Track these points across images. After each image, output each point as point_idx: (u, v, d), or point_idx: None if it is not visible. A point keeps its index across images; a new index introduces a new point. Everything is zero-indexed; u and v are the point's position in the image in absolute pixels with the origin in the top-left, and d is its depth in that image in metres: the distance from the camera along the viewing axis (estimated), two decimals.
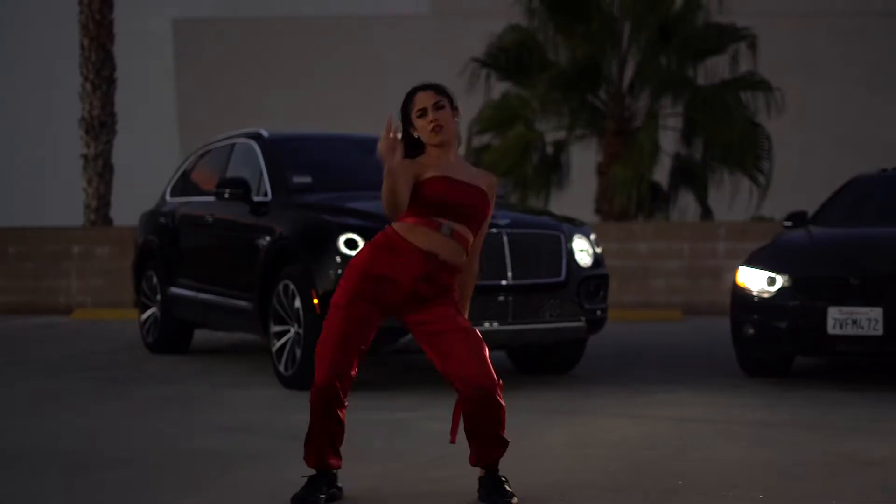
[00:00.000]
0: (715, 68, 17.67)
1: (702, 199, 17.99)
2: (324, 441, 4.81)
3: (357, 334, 4.75)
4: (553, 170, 18.00)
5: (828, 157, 25.63)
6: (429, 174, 4.71)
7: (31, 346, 11.62)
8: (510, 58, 17.61)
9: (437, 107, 4.75)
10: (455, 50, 19.11)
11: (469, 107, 18.23)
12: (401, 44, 27.49)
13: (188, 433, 6.61)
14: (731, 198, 17.53)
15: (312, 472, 4.88)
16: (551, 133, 18.02)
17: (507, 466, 5.05)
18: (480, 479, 4.88)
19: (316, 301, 7.99)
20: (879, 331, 7.92)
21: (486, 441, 4.81)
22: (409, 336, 7.77)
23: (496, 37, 18.06)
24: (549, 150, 18.07)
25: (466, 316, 4.94)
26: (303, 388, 8.11)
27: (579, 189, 18.63)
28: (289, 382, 8.29)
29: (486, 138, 18.27)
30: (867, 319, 7.94)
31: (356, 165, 9.78)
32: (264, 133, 9.73)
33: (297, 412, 7.21)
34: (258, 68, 28.33)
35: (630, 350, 10.95)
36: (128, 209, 20.81)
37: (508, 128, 17.77)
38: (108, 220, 17.68)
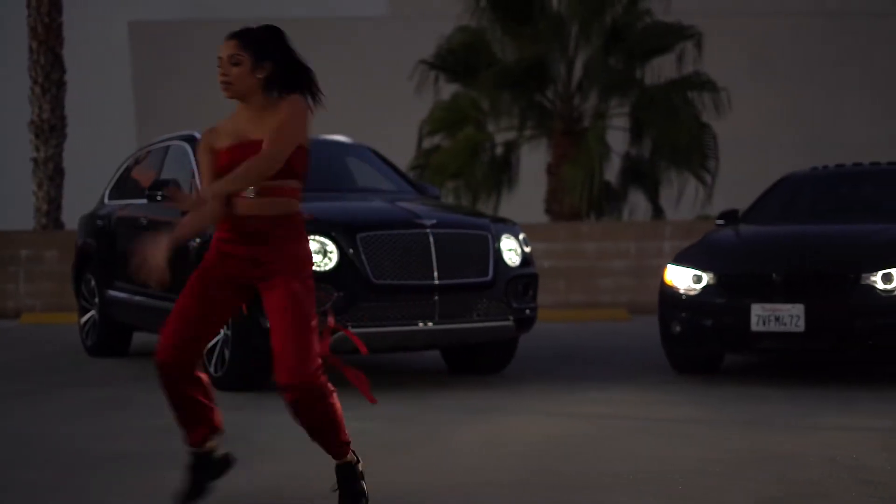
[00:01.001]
0: (662, 67, 17.77)
1: (653, 199, 18.10)
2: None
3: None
4: (503, 171, 18.07)
5: (783, 157, 25.78)
6: (220, 143, 4.61)
7: None
8: (458, 59, 17.67)
9: (233, 62, 4.55)
10: (413, 51, 19.14)
11: (419, 108, 18.34)
12: (358, 46, 27.51)
13: (115, 435, 6.62)
14: (679, 197, 17.66)
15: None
16: (501, 134, 18.09)
17: (415, 466, 5.09)
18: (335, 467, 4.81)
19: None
20: (801, 327, 8.01)
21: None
22: (340, 335, 7.87)
23: (445, 38, 18.10)
24: (499, 150, 18.14)
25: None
26: (231, 390, 8.16)
27: (529, 190, 18.71)
28: (218, 383, 8.27)
29: (436, 139, 18.32)
30: (790, 316, 8.04)
31: None
32: (197, 135, 9.73)
33: (225, 413, 7.23)
34: (215, 71, 28.26)
35: (570, 350, 11.01)
36: (82, 212, 20.78)
37: (458, 129, 17.82)
38: (59, 224, 17.61)
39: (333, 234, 8.07)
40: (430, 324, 8.09)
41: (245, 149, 4.55)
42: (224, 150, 4.58)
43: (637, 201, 18.36)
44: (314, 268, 7.76)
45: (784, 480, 5.23)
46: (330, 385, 4.60)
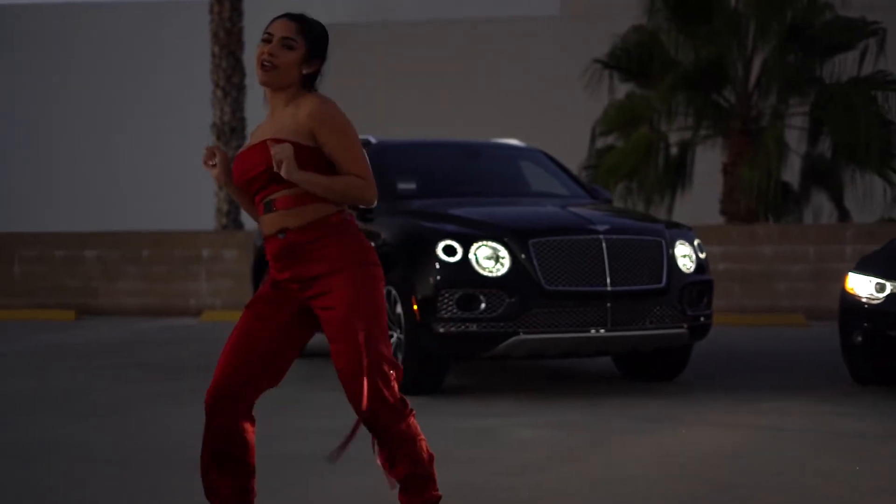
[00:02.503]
0: (843, 65, 17.23)
1: (837, 200, 17.56)
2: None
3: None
4: (677, 171, 17.80)
5: None
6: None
7: (157, 349, 11.97)
8: (633, 58, 17.47)
9: (287, 45, 4.04)
10: (585, 51, 19.03)
11: (592, 109, 18.22)
12: (530, 46, 27.47)
13: (278, 437, 6.75)
14: (864, 198, 17.09)
15: None
16: (675, 134, 17.82)
17: (584, 474, 5.03)
18: None
19: (416, 307, 8.08)
20: None
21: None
22: (512, 340, 7.89)
23: (619, 38, 17.94)
24: (674, 150, 17.87)
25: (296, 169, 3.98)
26: (404, 393, 8.21)
27: (704, 190, 18.40)
28: None
29: (609, 139, 18.17)
30: None
31: (462, 172, 9.88)
32: (372, 139, 9.86)
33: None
34: (388, 70, 28.62)
35: (745, 356, 10.78)
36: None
37: (632, 129, 17.65)
38: (238, 224, 18.13)
39: (506, 239, 8.07)
40: (602, 331, 8.01)
41: (245, 156, 4.12)
42: (237, 156, 4.20)
43: (820, 203, 17.85)
44: (488, 273, 7.88)
45: None
46: (409, 421, 4.24)
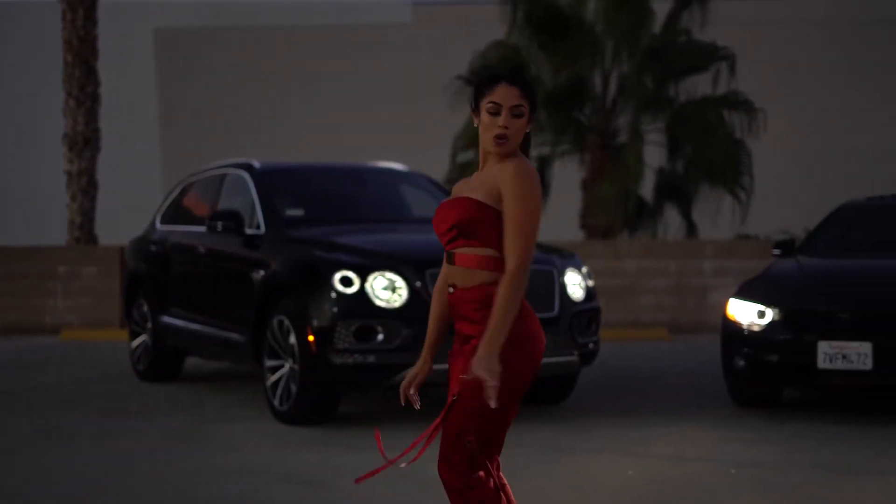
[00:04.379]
0: (696, 85, 17.82)
1: (686, 215, 18.12)
2: None
3: None
4: None
5: (813, 170, 25.82)
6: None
7: (23, 373, 11.59)
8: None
9: (517, 113, 3.89)
10: (439, 59, 19.17)
11: (454, 123, 18.35)
12: (383, 54, 27.51)
13: (197, 477, 6.64)
14: (716, 214, 17.68)
15: None
16: (535, 149, 18.09)
17: None
18: None
19: (311, 338, 8.03)
20: (869, 365, 8.01)
21: None
22: (404, 373, 7.91)
23: (479, 53, 18.11)
24: (533, 165, 18.11)
25: (487, 355, 3.76)
26: (297, 424, 8.19)
27: (562, 205, 18.73)
28: (283, 417, 8.33)
29: (470, 154, 18.32)
30: (857, 354, 8.04)
31: (348, 197, 9.85)
32: (256, 164, 9.76)
33: (299, 452, 7.28)
34: (240, 78, 28.30)
35: (620, 376, 11.01)
36: (108, 225, 20.84)
37: None
38: (92, 237, 17.66)
39: (402, 269, 8.08)
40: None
41: (442, 210, 4.03)
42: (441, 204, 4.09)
43: (671, 217, 18.38)
44: (384, 304, 7.89)
45: None
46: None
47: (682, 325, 15.06)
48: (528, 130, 3.96)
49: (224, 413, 8.94)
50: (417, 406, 4.13)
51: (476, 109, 3.95)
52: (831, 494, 6.15)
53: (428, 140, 21.50)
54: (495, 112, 3.86)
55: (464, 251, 3.95)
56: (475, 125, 3.98)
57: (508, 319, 3.80)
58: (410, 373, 4.16)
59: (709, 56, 17.64)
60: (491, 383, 3.73)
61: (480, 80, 3.99)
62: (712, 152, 17.13)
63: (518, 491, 5.24)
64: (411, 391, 4.12)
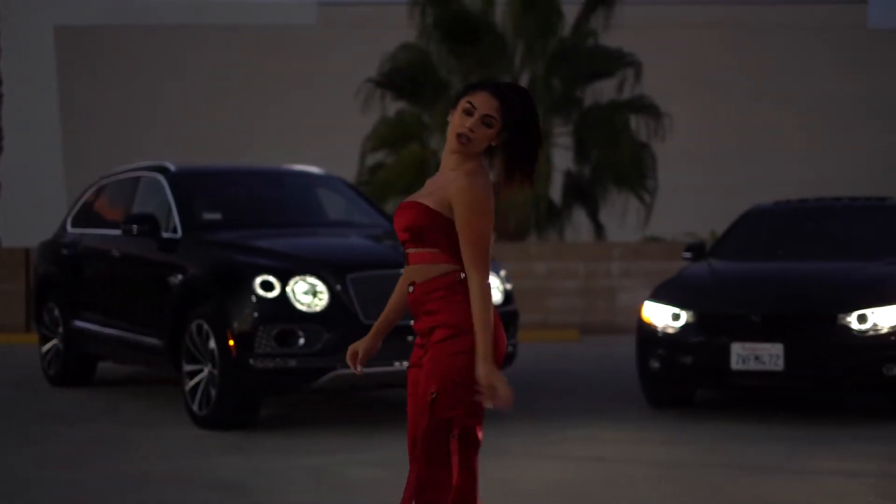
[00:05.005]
0: (603, 90, 18.10)
1: (594, 217, 18.38)
2: None
3: None
4: None
5: (717, 173, 26.29)
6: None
7: None
8: (405, 77, 17.74)
9: (486, 122, 3.95)
10: (344, 60, 19.19)
11: (365, 125, 18.38)
12: (290, 55, 27.39)
13: (121, 485, 6.57)
14: (622, 216, 17.96)
15: None
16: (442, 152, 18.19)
17: None
18: None
19: (232, 342, 8.00)
20: (781, 366, 8.23)
21: None
22: (330, 375, 7.93)
23: (389, 56, 18.17)
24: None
25: (490, 371, 3.87)
26: (216, 429, 8.15)
27: None
28: (203, 422, 8.28)
29: (379, 156, 18.38)
30: (769, 355, 8.25)
31: (266, 201, 9.83)
32: (171, 167, 9.68)
33: (223, 457, 7.25)
34: (144, 78, 27.96)
35: (533, 377, 11.13)
36: (11, 227, 20.45)
37: (402, 146, 17.90)
38: None
39: (323, 273, 8.09)
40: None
41: (398, 212, 4.10)
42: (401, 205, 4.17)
43: (579, 219, 18.62)
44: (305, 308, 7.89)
45: None
46: None
47: (591, 326, 15.26)
48: (496, 143, 3.99)
49: (141, 418, 8.86)
50: (360, 370, 4.20)
51: (454, 107, 4.02)
52: (755, 493, 6.31)
53: (336, 142, 21.46)
54: (468, 112, 3.95)
55: (417, 250, 4.06)
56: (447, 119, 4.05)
57: (490, 331, 3.91)
58: (356, 345, 4.22)
59: (615, 62, 17.93)
60: (503, 392, 3.82)
61: (468, 85, 4.08)
62: (618, 156, 17.42)
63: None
64: (357, 360, 4.19)
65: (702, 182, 26.10)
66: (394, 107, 18.33)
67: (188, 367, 8.43)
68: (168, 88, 27.89)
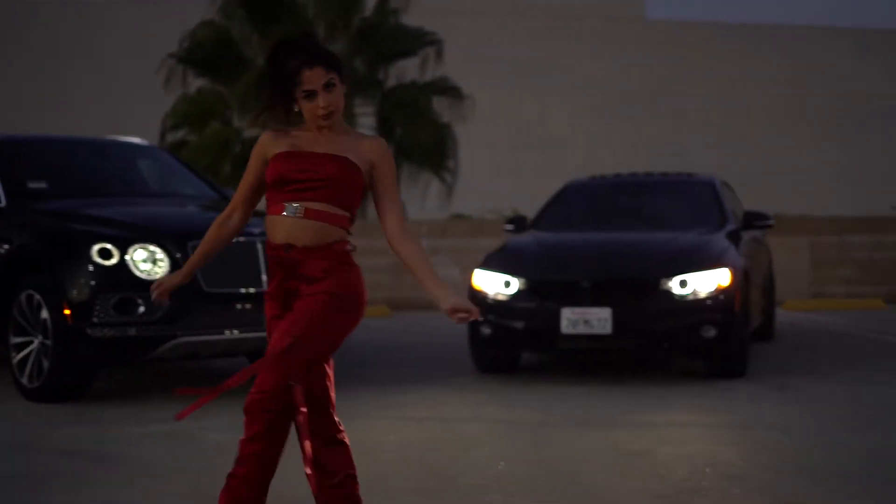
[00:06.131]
0: (406, 71, 18.34)
1: None
2: None
3: None
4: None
5: (514, 154, 26.95)
6: (277, 150, 4.11)
7: None
8: (207, 54, 17.55)
9: (328, 86, 4.04)
10: (145, 35, 18.83)
11: (166, 102, 18.08)
12: (92, 28, 26.60)
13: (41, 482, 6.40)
14: (423, 195, 18.27)
15: None
16: (247, 130, 18.10)
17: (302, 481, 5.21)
18: None
19: (68, 312, 7.84)
20: (609, 330, 8.63)
21: None
22: (171, 343, 7.88)
23: (189, 32, 17.93)
24: (246, 146, 18.14)
25: (453, 294, 4.04)
26: (48, 401, 7.98)
27: None
28: (33, 395, 8.08)
29: (180, 134, 18.12)
30: (598, 319, 8.64)
31: (92, 170, 9.63)
32: None
33: (68, 427, 7.13)
34: None
35: (358, 349, 11.24)
36: None
37: (204, 124, 17.71)
38: None
39: (163, 241, 8.02)
40: (260, 331, 8.15)
41: (313, 161, 4.08)
42: (277, 158, 4.11)
43: None
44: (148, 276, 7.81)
45: (658, 476, 5.72)
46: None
47: (399, 303, 15.49)
48: (344, 92, 4.13)
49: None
50: (166, 301, 4.34)
51: (292, 98, 4.06)
52: (605, 443, 6.60)
53: (136, 117, 21.02)
54: (312, 97, 4.02)
55: (322, 207, 4.03)
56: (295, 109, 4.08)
57: (433, 267, 4.18)
58: (164, 279, 4.34)
59: (417, 41, 18.18)
60: (474, 310, 3.98)
61: (281, 74, 4.06)
62: (421, 136, 17.68)
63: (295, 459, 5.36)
64: (160, 291, 4.31)
65: (501, 163, 26.72)
66: (195, 84, 18.10)
67: (15, 340, 8.21)
68: None
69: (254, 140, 18.01)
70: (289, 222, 4.03)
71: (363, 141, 4.17)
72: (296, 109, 4.09)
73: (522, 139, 27.48)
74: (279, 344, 3.99)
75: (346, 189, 4.06)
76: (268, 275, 4.19)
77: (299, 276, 4.06)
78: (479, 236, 15.66)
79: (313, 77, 4.01)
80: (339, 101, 4.09)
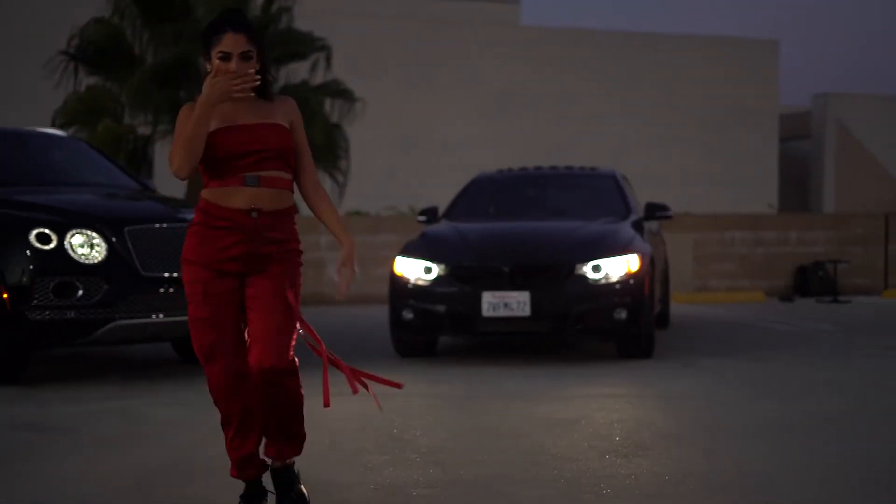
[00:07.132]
0: (297, 72, 18.55)
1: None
2: None
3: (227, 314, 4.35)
4: (142, 164, 18.09)
5: (397, 155, 27.27)
6: (212, 126, 4.21)
7: None
8: (98, 51, 17.51)
9: (245, 57, 4.18)
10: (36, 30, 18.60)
11: (56, 99, 17.95)
12: None
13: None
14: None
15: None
16: (140, 128, 18.09)
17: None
18: (272, 470, 4.55)
19: (6, 296, 7.96)
20: (528, 312, 9.07)
21: (276, 436, 4.48)
22: (109, 326, 8.05)
23: (79, 29, 17.84)
24: (137, 144, 18.12)
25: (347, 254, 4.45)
26: None
27: (167, 185, 18.80)
28: None
29: (71, 131, 18.00)
30: (517, 303, 9.07)
31: (12, 160, 9.70)
32: None
33: (11, 405, 7.25)
34: None
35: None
36: None
37: (95, 121, 17.64)
38: None
39: (100, 226, 8.18)
40: (168, 316, 8.31)
41: (255, 131, 4.24)
42: (217, 135, 4.22)
43: None
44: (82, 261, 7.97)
45: (601, 436, 6.15)
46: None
47: (302, 298, 15.70)
48: (257, 69, 4.23)
49: None
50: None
51: (208, 58, 4.22)
52: (542, 414, 6.99)
53: (27, 114, 20.77)
54: (226, 60, 4.16)
55: (275, 174, 4.27)
56: (208, 69, 4.24)
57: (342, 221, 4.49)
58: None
59: (308, 45, 18.39)
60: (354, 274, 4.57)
61: (207, 31, 4.24)
62: (313, 137, 17.89)
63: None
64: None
65: (389, 162, 27.02)
66: (86, 82, 18.01)
67: None
68: None
69: (146, 139, 18.09)
70: (250, 191, 4.22)
71: (278, 103, 4.36)
72: (207, 69, 4.24)
73: (411, 140, 27.85)
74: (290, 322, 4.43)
75: (289, 154, 4.31)
76: (207, 241, 4.28)
77: (269, 240, 4.28)
78: (377, 232, 16.00)
79: (234, 42, 4.14)
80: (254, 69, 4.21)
